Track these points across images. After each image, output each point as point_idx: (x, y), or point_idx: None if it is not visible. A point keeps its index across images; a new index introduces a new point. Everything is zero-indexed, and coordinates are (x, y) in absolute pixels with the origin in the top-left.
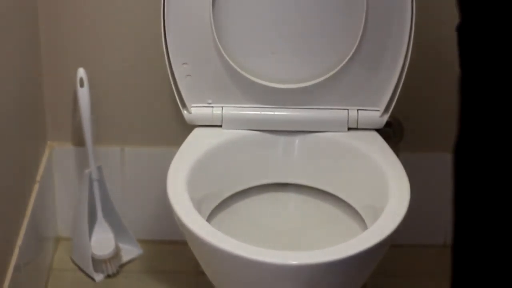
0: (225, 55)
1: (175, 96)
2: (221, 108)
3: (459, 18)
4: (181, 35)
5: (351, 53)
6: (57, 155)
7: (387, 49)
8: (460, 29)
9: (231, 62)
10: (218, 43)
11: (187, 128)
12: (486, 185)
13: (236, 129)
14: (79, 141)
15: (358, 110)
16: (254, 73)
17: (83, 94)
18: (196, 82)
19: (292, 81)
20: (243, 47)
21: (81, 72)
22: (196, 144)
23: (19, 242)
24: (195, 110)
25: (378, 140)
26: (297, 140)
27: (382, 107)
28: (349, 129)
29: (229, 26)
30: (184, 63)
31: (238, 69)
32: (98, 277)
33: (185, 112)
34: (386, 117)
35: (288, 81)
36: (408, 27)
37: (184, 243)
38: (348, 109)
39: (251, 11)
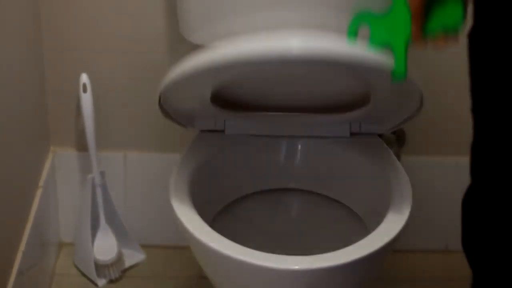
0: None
1: None
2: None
3: (472, 23)
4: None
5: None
6: (60, 161)
7: (398, 102)
8: (472, 35)
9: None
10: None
11: (190, 133)
12: (504, 185)
13: (239, 134)
14: (82, 147)
15: (361, 122)
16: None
17: (86, 100)
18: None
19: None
20: None
21: (84, 78)
22: (199, 149)
23: (22, 247)
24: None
25: (380, 145)
26: (300, 145)
27: (387, 128)
28: (351, 134)
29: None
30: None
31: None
32: (101, 282)
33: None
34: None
35: (293, 110)
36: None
37: (186, 248)
38: (351, 122)
39: None
